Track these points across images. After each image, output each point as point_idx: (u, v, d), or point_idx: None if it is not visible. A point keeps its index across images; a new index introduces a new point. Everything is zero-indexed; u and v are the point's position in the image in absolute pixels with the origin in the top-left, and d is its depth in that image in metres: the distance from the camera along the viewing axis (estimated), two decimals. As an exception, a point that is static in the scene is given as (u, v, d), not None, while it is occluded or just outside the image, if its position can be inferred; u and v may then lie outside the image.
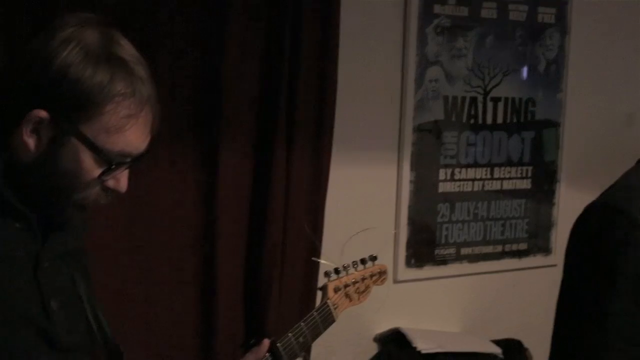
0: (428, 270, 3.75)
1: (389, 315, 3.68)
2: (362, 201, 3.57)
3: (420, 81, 3.58)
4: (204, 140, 3.12)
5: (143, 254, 3.09)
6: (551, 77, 3.91)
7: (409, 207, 3.65)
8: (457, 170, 3.73)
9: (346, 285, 2.55)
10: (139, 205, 3.05)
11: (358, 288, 2.59)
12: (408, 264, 3.70)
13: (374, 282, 2.67)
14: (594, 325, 1.56)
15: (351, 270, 2.60)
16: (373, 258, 2.74)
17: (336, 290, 2.51)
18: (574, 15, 3.92)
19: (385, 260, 3.61)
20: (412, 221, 3.67)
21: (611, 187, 1.63)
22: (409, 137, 3.59)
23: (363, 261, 2.70)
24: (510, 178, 3.87)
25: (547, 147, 3.95)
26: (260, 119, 3.19)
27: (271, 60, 3.16)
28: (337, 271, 2.55)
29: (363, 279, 2.67)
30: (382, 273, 2.77)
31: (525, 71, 3.83)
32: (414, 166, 3.63)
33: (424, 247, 3.72)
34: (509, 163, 3.86)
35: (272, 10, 3.14)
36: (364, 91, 3.51)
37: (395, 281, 3.69)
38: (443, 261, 3.78)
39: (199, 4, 3.04)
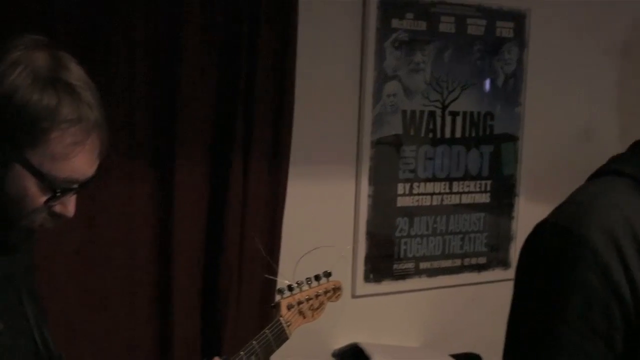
0: (387, 285, 3.73)
1: (347, 331, 3.66)
2: (320, 216, 3.55)
3: (378, 96, 3.57)
4: (160, 159, 3.09)
5: (98, 272, 3.05)
6: (510, 91, 3.91)
7: (367, 221, 3.64)
8: (415, 184, 3.72)
9: (299, 303, 2.53)
10: (95, 224, 3.01)
11: (312, 305, 2.58)
12: (367, 278, 3.68)
13: (329, 299, 2.66)
14: (543, 345, 1.52)
15: (305, 287, 2.59)
16: (327, 274, 2.74)
17: (289, 307, 2.49)
18: (532, 29, 3.93)
19: (343, 275, 3.65)
20: (370, 236, 3.65)
21: (561, 204, 1.59)
22: (367, 151, 3.58)
23: (317, 278, 2.70)
24: (469, 192, 3.87)
25: (506, 161, 3.96)
26: (216, 137, 3.16)
27: (227, 76, 3.14)
28: (290, 288, 2.53)
29: (317, 296, 2.66)
30: (337, 289, 2.76)
31: (488, 83, 3.83)
32: (372, 181, 3.62)
33: (382, 261, 3.71)
34: (468, 177, 3.86)
35: (228, 28, 3.11)
36: (321, 106, 3.49)
37: (354, 296, 3.67)
38: (402, 276, 3.76)
39: (153, 23, 3.01)
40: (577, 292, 1.44)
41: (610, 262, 1.43)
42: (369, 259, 3.67)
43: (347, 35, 3.53)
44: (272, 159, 3.27)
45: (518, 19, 3.90)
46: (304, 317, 2.57)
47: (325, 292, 2.71)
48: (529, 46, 3.93)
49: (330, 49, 3.50)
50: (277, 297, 2.59)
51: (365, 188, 3.61)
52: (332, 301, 2.76)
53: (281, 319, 2.46)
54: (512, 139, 3.95)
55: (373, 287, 3.71)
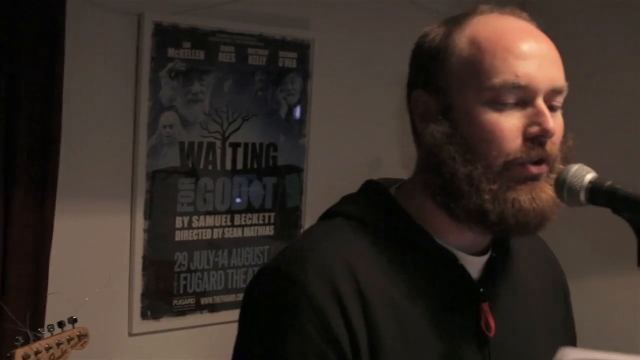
0: (166, 322, 3.61)
1: (123, 372, 3.53)
2: (93, 253, 3.41)
3: (153, 126, 3.46)
4: None
5: None
6: (293, 122, 3.87)
7: (144, 257, 3.51)
8: (195, 217, 3.62)
9: (37, 352, 2.39)
10: None
11: (53, 354, 2.44)
12: (144, 316, 3.55)
13: (73, 347, 2.54)
14: None
15: (46, 334, 2.46)
16: (72, 321, 2.63)
17: (25, 357, 2.35)
18: (316, 59, 3.90)
19: (119, 313, 3.51)
20: (147, 271, 3.52)
21: (285, 248, 1.56)
22: (142, 184, 3.46)
23: (61, 324, 2.58)
24: (252, 225, 3.80)
25: (290, 193, 3.91)
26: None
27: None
28: (28, 337, 2.39)
29: (58, 344, 2.53)
30: (82, 336, 2.65)
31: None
32: (148, 214, 3.49)
33: (160, 298, 3.58)
34: (250, 210, 3.79)
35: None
36: (93, 137, 3.36)
37: (131, 334, 3.54)
38: (182, 312, 3.65)
39: None
40: (294, 340, 1.41)
41: (327, 309, 1.41)
42: (146, 296, 3.54)
43: (121, 63, 3.41)
44: (36, 192, 3.11)
45: (301, 49, 3.86)
46: (44, 368, 2.43)
47: (69, 340, 2.60)
48: (312, 77, 3.90)
49: (102, 78, 3.37)
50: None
51: (140, 222, 3.48)
52: (77, 349, 2.64)
53: (16, 370, 2.31)
54: (297, 170, 3.91)
55: (151, 325, 3.57)
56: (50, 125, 3.11)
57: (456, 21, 1.53)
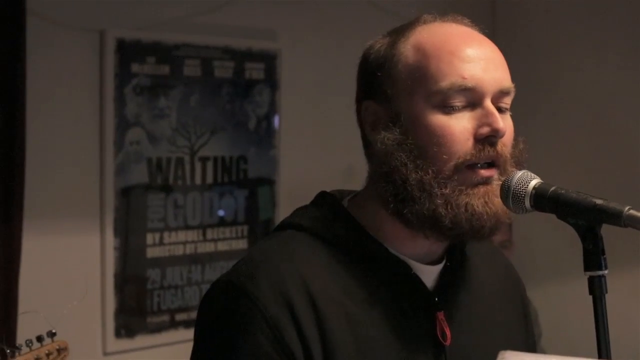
0: (141, 340, 3.58)
1: (98, 392, 3.50)
2: (65, 272, 3.38)
3: (120, 143, 3.43)
4: None
5: None
6: (262, 134, 3.85)
7: (115, 275, 3.48)
8: (166, 234, 3.60)
9: (15, 368, 2.37)
10: None
11: (31, 370, 2.42)
12: (118, 334, 3.52)
13: (52, 361, 2.52)
14: None
15: (24, 349, 2.45)
16: (51, 335, 2.61)
17: (2, 374, 2.33)
18: (283, 70, 3.88)
19: (93, 332, 3.48)
20: (119, 290, 3.49)
21: (239, 261, 1.57)
22: (110, 202, 3.43)
23: (40, 339, 2.57)
24: (224, 239, 3.77)
25: (263, 205, 3.88)
26: None
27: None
28: (5, 353, 2.38)
29: (37, 359, 2.52)
30: (62, 350, 2.64)
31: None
32: (118, 232, 3.46)
33: (134, 315, 3.55)
34: (223, 223, 3.76)
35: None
36: (58, 155, 3.34)
37: (105, 353, 3.50)
38: (157, 329, 3.62)
39: None
40: (247, 353, 1.42)
41: (280, 321, 1.42)
42: (119, 314, 3.51)
43: (85, 81, 3.39)
44: (3, 211, 3.09)
45: (268, 60, 3.84)
46: (25, 382, 2.42)
47: (48, 355, 2.58)
48: (281, 87, 3.88)
49: (66, 96, 3.35)
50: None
51: (110, 240, 3.45)
52: (57, 364, 2.63)
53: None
54: (268, 182, 3.89)
55: (126, 343, 3.54)
56: (15, 146, 3.09)
57: (400, 31, 1.54)
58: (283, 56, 3.88)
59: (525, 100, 3.84)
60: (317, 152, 4.05)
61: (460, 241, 1.55)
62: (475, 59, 1.46)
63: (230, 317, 1.45)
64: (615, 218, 1.31)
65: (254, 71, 3.80)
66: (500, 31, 4.16)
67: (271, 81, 3.86)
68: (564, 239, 3.78)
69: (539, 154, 3.80)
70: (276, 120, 3.87)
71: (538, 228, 3.57)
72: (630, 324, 4.01)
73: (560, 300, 3.98)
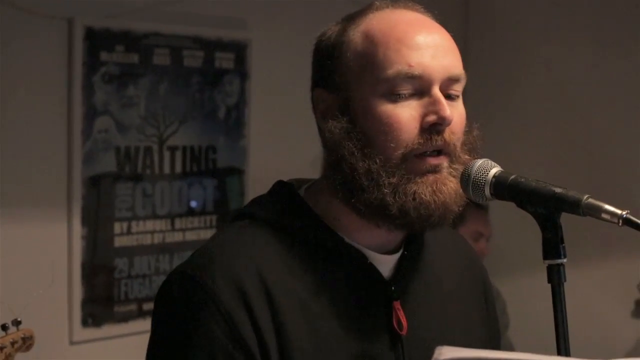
0: (107, 329, 3.56)
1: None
2: (31, 261, 3.36)
3: (88, 132, 3.41)
4: None
5: None
6: (232, 124, 3.84)
7: (82, 264, 3.46)
8: (134, 223, 3.58)
9: (-21, 358, 2.36)
10: None
11: (-4, 359, 2.41)
12: (85, 323, 3.50)
13: (17, 350, 2.51)
14: None
15: (-12, 338, 2.43)
16: (17, 323, 2.59)
17: (-34, 364, 2.31)
18: (254, 59, 3.87)
19: (60, 321, 3.46)
20: (87, 279, 3.47)
21: (195, 252, 1.57)
22: (77, 191, 3.41)
23: (4, 327, 2.55)
24: (193, 228, 3.76)
25: (232, 195, 3.87)
26: None
27: None
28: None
29: (1, 348, 2.50)
30: (27, 339, 2.62)
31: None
32: (86, 221, 3.44)
33: (101, 305, 3.53)
34: (191, 213, 3.75)
35: None
36: (26, 145, 3.32)
37: (72, 342, 3.49)
38: (124, 318, 3.61)
39: None
40: (201, 343, 1.42)
41: (234, 311, 1.42)
42: (86, 303, 3.49)
43: (53, 69, 3.36)
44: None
45: (238, 49, 3.83)
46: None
47: (13, 343, 2.56)
48: (251, 77, 3.87)
49: (34, 84, 3.33)
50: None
51: (78, 229, 3.43)
52: (22, 352, 2.61)
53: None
54: (238, 172, 3.88)
55: (93, 332, 3.53)
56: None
57: (351, 18, 1.55)
58: (253, 46, 3.87)
59: (496, 93, 3.89)
60: (286, 142, 4.04)
61: (417, 230, 1.54)
62: (423, 46, 1.45)
63: (184, 309, 1.45)
64: (574, 206, 1.31)
65: (224, 61, 3.79)
66: (473, 24, 4.18)
67: (241, 71, 3.85)
68: (530, 231, 3.82)
69: (508, 145, 3.84)
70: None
71: (505, 219, 3.58)
72: (597, 314, 4.05)
73: (527, 291, 4.00)
